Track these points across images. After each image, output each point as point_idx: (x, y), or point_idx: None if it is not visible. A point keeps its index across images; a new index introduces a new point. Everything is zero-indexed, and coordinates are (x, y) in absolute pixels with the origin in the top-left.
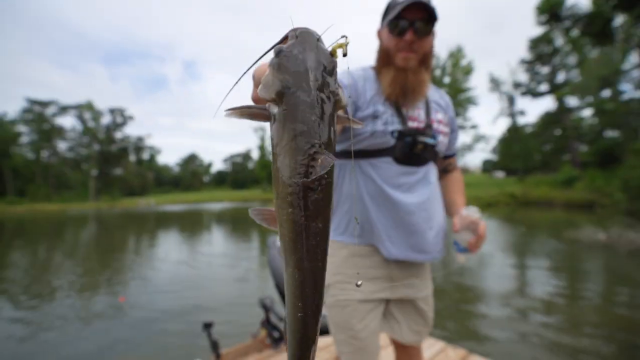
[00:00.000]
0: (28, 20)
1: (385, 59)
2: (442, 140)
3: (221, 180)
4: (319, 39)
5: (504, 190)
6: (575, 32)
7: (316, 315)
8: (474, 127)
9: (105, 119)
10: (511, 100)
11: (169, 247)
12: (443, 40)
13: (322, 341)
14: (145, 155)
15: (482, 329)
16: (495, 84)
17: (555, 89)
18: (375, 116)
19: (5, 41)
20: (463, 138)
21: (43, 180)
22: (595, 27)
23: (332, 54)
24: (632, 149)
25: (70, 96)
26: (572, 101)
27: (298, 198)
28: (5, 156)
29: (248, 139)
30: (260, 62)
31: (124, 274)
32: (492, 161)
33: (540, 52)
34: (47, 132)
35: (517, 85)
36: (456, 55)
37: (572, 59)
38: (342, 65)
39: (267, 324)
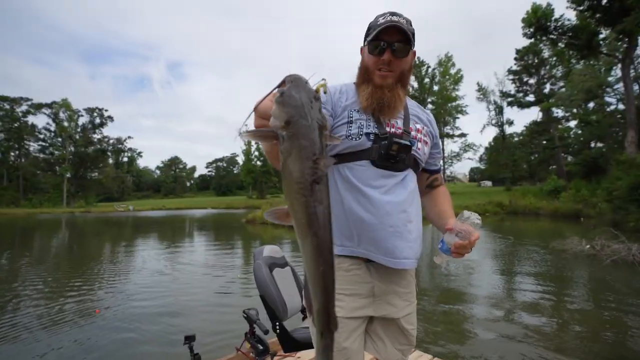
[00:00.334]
0: None
1: (364, 75)
2: (420, 147)
3: (205, 185)
4: (307, 82)
5: (492, 200)
6: (561, 45)
7: (332, 269)
8: (462, 135)
9: (83, 119)
10: (499, 110)
11: (147, 255)
12: (433, 49)
13: (308, 354)
14: (125, 158)
15: (466, 335)
16: (483, 93)
17: (542, 100)
18: (350, 121)
19: None
20: (451, 147)
21: (10, 183)
22: (580, 40)
23: (317, 91)
24: (616, 160)
25: (45, 95)
26: (558, 112)
27: (308, 190)
28: None
29: (233, 142)
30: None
31: (98, 284)
32: (480, 169)
33: (527, 63)
34: (16, 131)
35: (504, 95)
36: (445, 63)
37: (559, 71)
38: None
39: (252, 336)
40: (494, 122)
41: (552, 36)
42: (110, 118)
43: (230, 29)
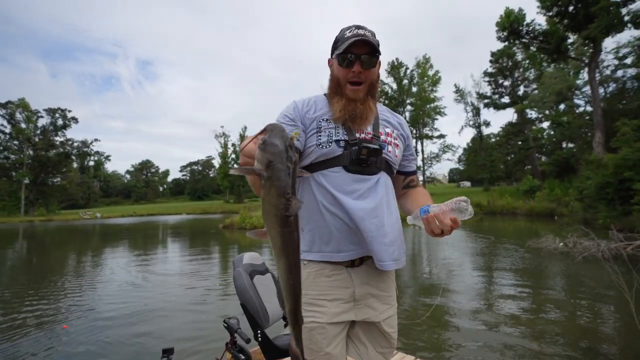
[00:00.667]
0: None
1: (335, 87)
2: (391, 150)
3: (179, 190)
4: (283, 131)
5: (471, 200)
6: (533, 48)
7: (299, 282)
8: (441, 136)
9: (43, 121)
10: (476, 112)
11: (116, 265)
12: (411, 50)
13: None
14: (91, 162)
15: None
16: (460, 94)
17: (517, 102)
18: (319, 130)
19: None
20: (431, 148)
21: None
22: (550, 45)
23: (292, 139)
24: (585, 160)
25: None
26: (532, 113)
27: (282, 221)
28: None
29: (209, 144)
30: (247, 142)
31: (63, 298)
32: (459, 169)
33: (502, 65)
34: None
35: (481, 96)
36: (423, 65)
37: (531, 74)
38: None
39: (233, 346)
40: (471, 123)
41: (524, 40)
42: (75, 119)
43: (204, 29)
